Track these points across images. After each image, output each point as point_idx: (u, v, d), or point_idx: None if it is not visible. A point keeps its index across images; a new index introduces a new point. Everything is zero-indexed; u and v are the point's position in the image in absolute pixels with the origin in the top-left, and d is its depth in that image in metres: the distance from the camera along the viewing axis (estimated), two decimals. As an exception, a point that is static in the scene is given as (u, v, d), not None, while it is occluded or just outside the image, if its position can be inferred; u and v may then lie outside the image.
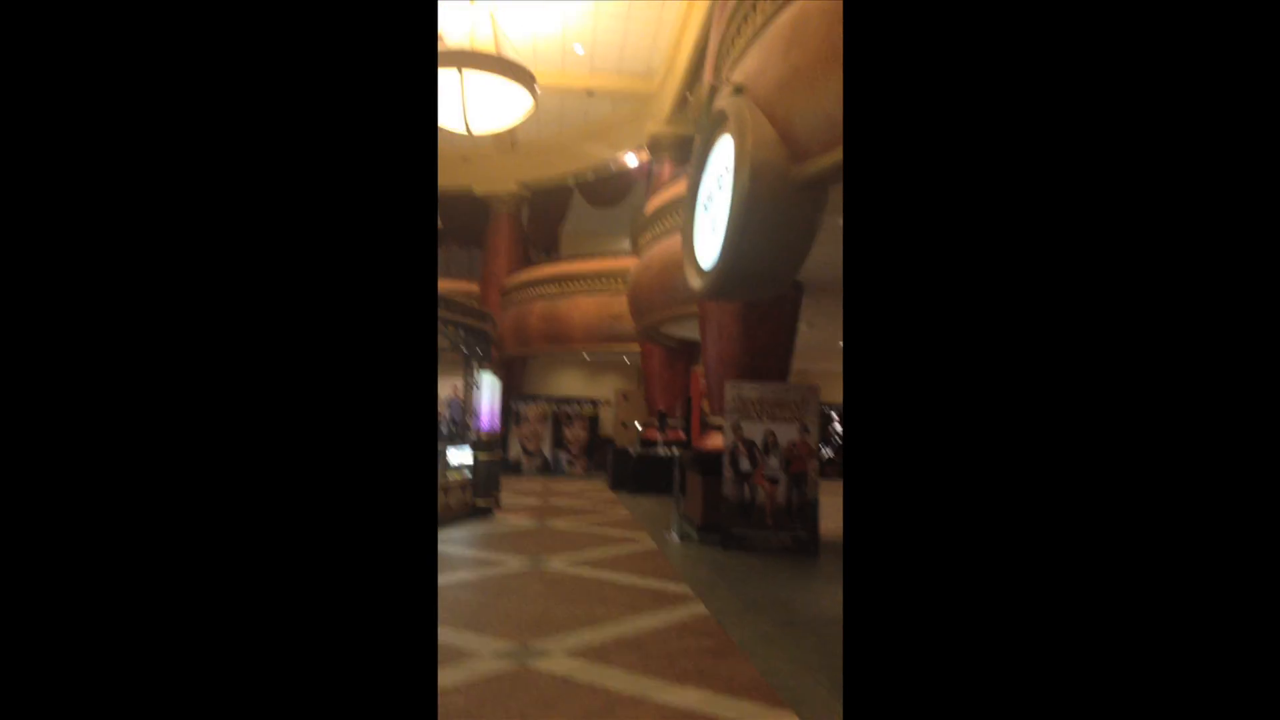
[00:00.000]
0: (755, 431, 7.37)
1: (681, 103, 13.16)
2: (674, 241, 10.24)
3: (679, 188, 10.42)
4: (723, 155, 5.37)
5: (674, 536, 7.85)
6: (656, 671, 3.63)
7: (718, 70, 6.42)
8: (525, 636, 4.14)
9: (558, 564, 6.29)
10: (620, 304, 14.18)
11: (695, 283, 6.08)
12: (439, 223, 18.24)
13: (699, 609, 4.89)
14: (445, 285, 15.50)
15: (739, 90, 4.96)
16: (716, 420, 8.17)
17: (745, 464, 7.35)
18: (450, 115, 10.89)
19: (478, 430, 9.50)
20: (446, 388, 11.30)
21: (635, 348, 14.47)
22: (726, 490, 7.34)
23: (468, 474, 9.18)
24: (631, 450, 13.28)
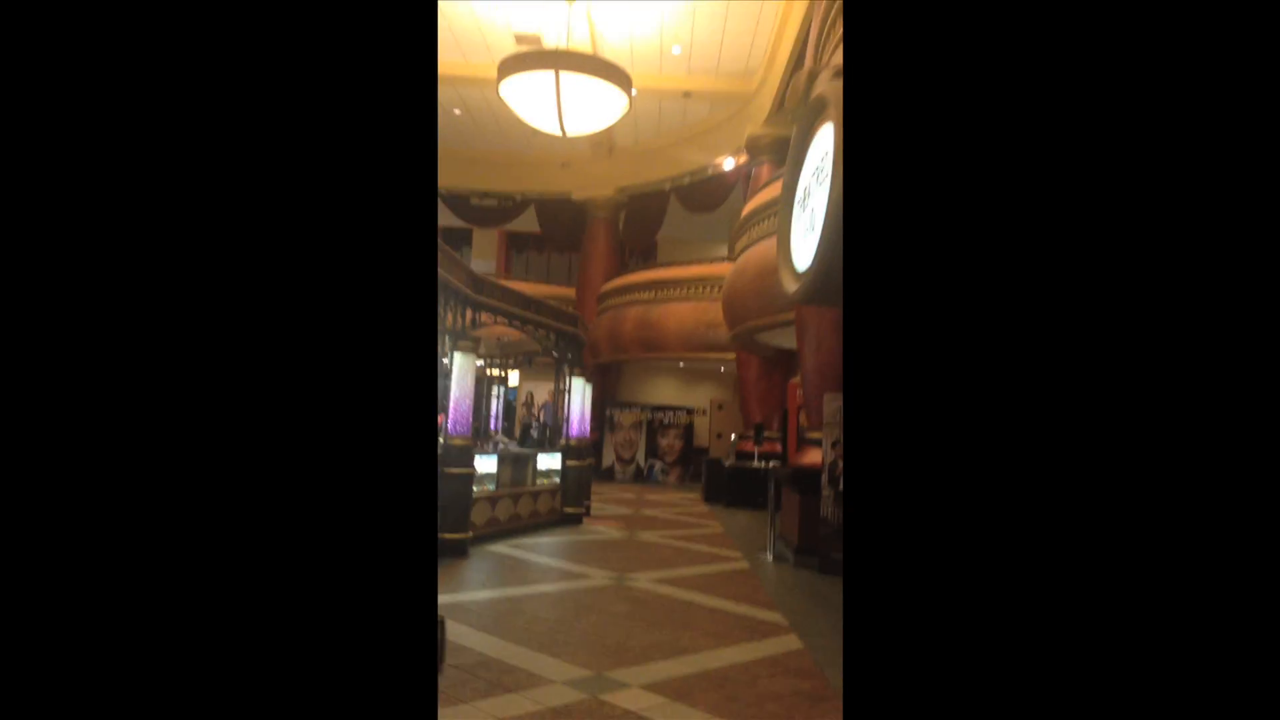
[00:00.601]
0: (857, 447, 6.85)
1: (780, 103, 12.68)
2: (770, 245, 9.79)
3: (777, 188, 9.97)
4: (822, 145, 4.95)
5: (768, 557, 7.41)
6: (742, 715, 3.26)
7: (818, 55, 5.99)
8: (602, 664, 3.85)
9: (643, 581, 5.99)
10: (716, 311, 13.80)
11: (789, 286, 5.66)
12: (539, 228, 18.46)
13: (793, 643, 4.47)
14: (543, 290, 15.56)
15: (841, 74, 4.53)
16: (814, 435, 7.67)
17: (845, 483, 6.84)
18: (546, 117, 10.84)
19: (568, 436, 9.35)
20: (542, 393, 11.24)
21: (731, 356, 14.05)
22: (825, 510, 6.84)
23: (557, 480, 9.03)
24: (725, 462, 12.86)
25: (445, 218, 18.64)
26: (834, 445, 6.88)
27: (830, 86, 4.45)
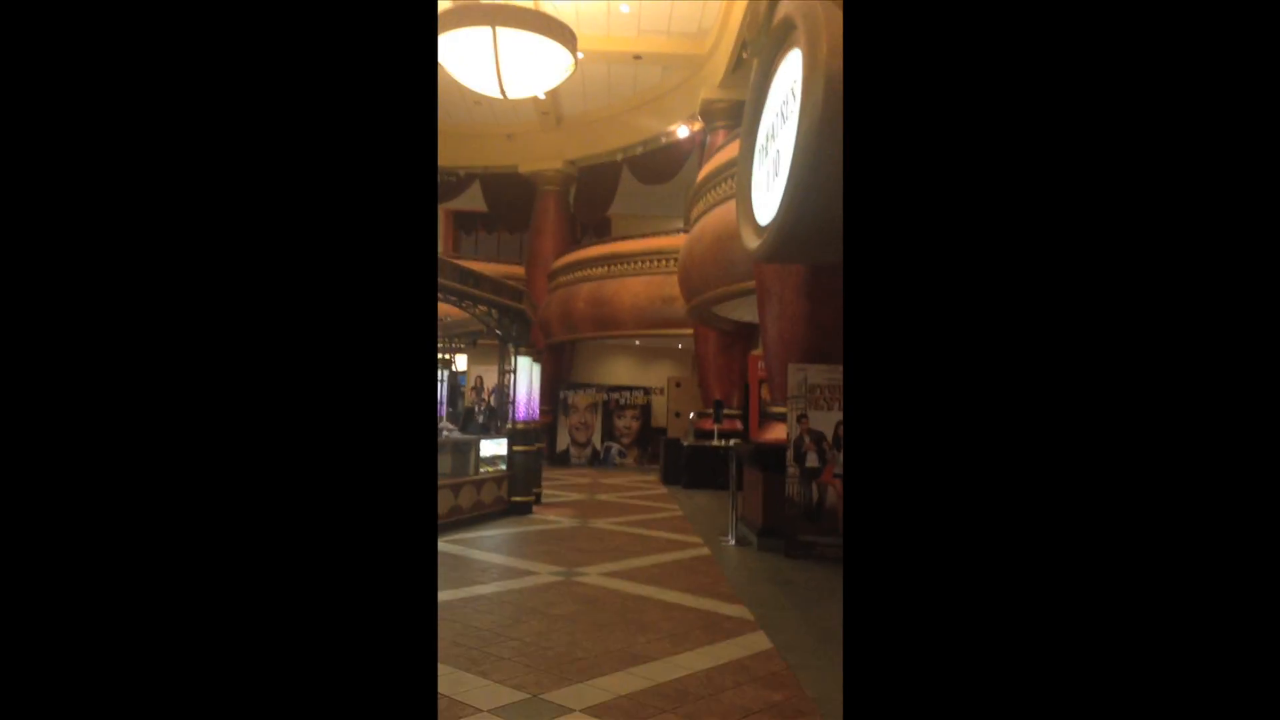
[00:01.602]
0: (824, 422, 6.34)
1: (736, 64, 12.08)
2: (728, 209, 9.22)
3: (734, 150, 9.39)
4: (788, 77, 4.36)
5: (730, 541, 6.89)
6: (705, 744, 2.70)
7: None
8: (541, 682, 3.25)
9: (594, 575, 5.41)
10: (672, 285, 13.21)
11: (751, 243, 5.10)
12: (485, 206, 17.60)
13: (761, 642, 3.93)
14: (492, 269, 14.78)
15: (808, -5, 3.95)
16: (778, 409, 7.15)
17: (812, 459, 6.34)
18: (484, 78, 10.07)
19: (514, 420, 8.69)
20: (493, 376, 10.54)
21: (688, 332, 13.49)
22: (790, 490, 6.33)
23: (504, 468, 8.38)
24: (684, 441, 12.34)
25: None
26: (799, 419, 6.37)
27: (797, 6, 3.85)
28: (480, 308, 8.05)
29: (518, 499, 8.45)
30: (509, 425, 8.70)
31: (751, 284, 8.29)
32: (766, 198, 4.91)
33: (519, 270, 16.91)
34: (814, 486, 6.33)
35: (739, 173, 5.55)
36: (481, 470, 8.01)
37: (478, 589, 4.95)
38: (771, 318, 7.23)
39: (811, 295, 6.68)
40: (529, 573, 5.47)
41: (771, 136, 4.74)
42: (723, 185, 9.62)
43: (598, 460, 16.02)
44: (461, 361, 15.62)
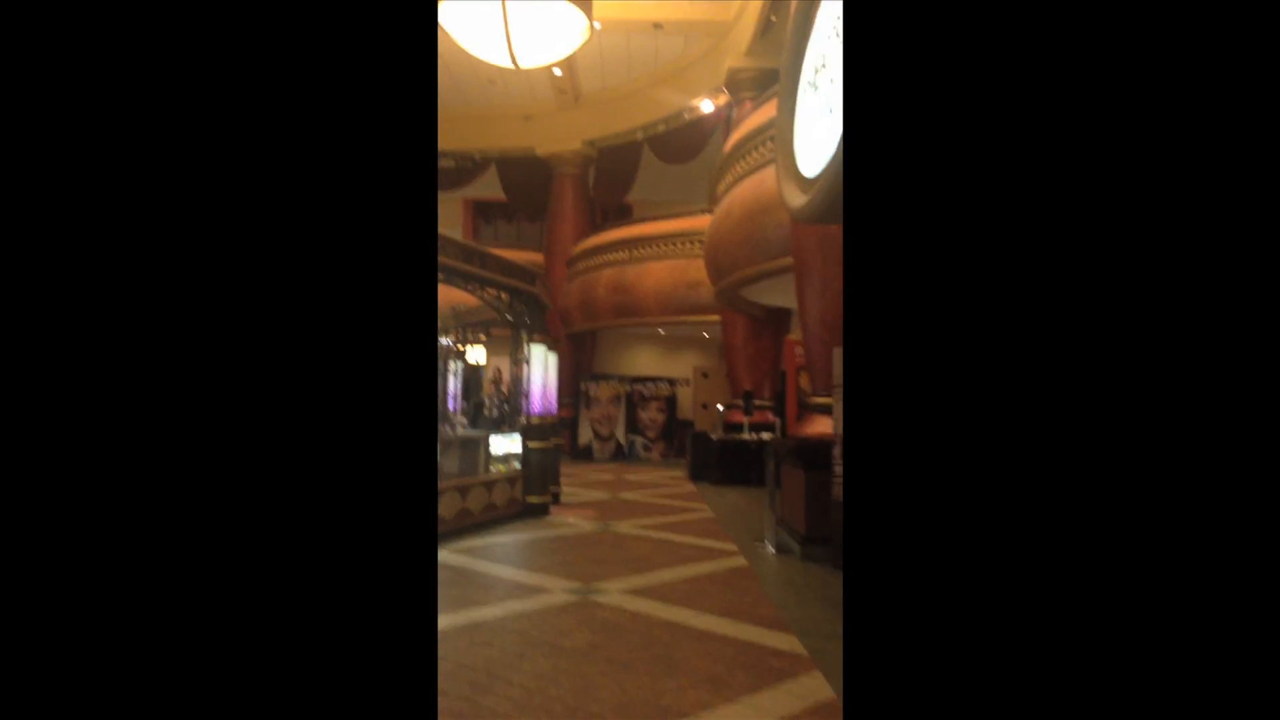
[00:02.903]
0: (877, 413, 5.54)
1: (765, 28, 11.22)
2: (760, 180, 8.41)
3: (764, 115, 8.56)
4: (843, -9, 3.57)
5: (768, 548, 6.12)
6: None
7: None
8: (541, 752, 2.53)
9: (615, 594, 4.68)
10: (697, 269, 12.43)
11: (795, 200, 4.31)
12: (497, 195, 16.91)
13: (818, 687, 3.17)
14: (509, 257, 14.08)
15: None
16: (820, 400, 6.36)
17: (864, 456, 5.55)
18: (494, 47, 9.34)
19: (528, 414, 7.98)
20: (505, 367, 9.85)
21: (715, 319, 12.70)
22: (838, 492, 5.55)
23: (518, 466, 7.68)
24: (713, 435, 11.58)
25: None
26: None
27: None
28: (489, 290, 7.33)
29: (533, 500, 7.75)
30: (523, 420, 8.00)
31: (787, 261, 7.48)
32: (813, 142, 4.12)
33: (539, 258, 16.21)
34: (866, 487, 5.54)
35: (779, 120, 4.77)
36: (493, 469, 7.31)
37: (478, 612, 4.24)
38: (812, 297, 6.43)
39: (859, 269, 5.86)
40: (540, 590, 4.76)
41: (822, 66, 3.95)
42: (754, 153, 8.80)
43: (621, 455, 15.31)
44: (480, 353, 14.98)
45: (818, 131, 4.13)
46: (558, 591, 4.72)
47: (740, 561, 5.73)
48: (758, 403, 11.36)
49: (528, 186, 16.73)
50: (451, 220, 19.35)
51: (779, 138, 4.73)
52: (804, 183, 4.25)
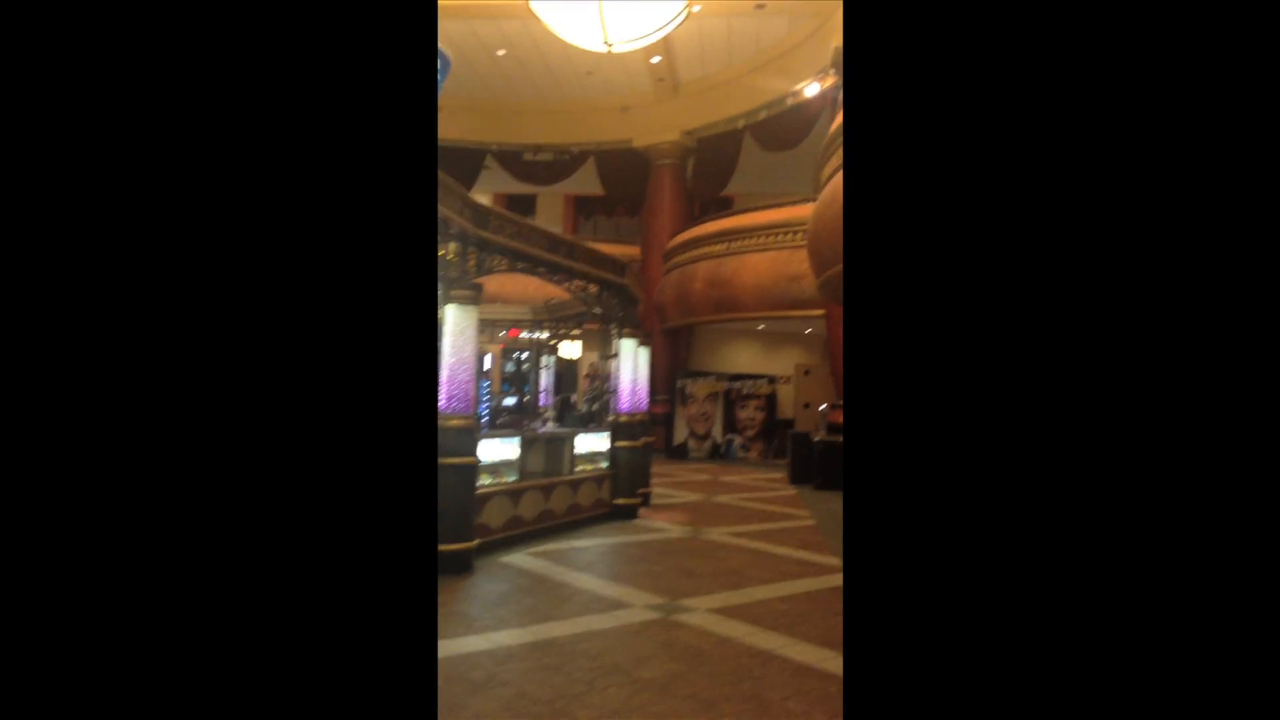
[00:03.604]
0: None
1: None
2: (870, 162, 7.71)
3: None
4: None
5: (876, 566, 5.49)
6: None
7: None
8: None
9: (701, 612, 4.22)
10: (799, 261, 11.75)
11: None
12: (601, 189, 16.70)
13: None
14: (607, 250, 13.88)
15: None
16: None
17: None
18: (587, 29, 9.03)
19: (617, 411, 7.62)
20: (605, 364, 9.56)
21: (819, 313, 11.98)
22: (960, 506, 4.88)
23: (605, 466, 7.33)
24: (814, 436, 10.90)
25: (503, 182, 17.15)
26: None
27: None
28: (576, 282, 7.01)
29: (621, 501, 7.39)
30: (611, 417, 7.64)
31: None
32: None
33: (635, 252, 15.90)
34: (992, 503, 4.85)
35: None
36: (578, 469, 6.99)
37: (550, 628, 3.88)
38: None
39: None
40: (620, 604, 4.36)
41: None
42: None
43: (718, 454, 14.80)
44: (575, 348, 14.81)
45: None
46: (639, 607, 4.31)
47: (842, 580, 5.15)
48: (864, 403, 10.60)
49: (625, 179, 16.43)
50: (552, 215, 19.33)
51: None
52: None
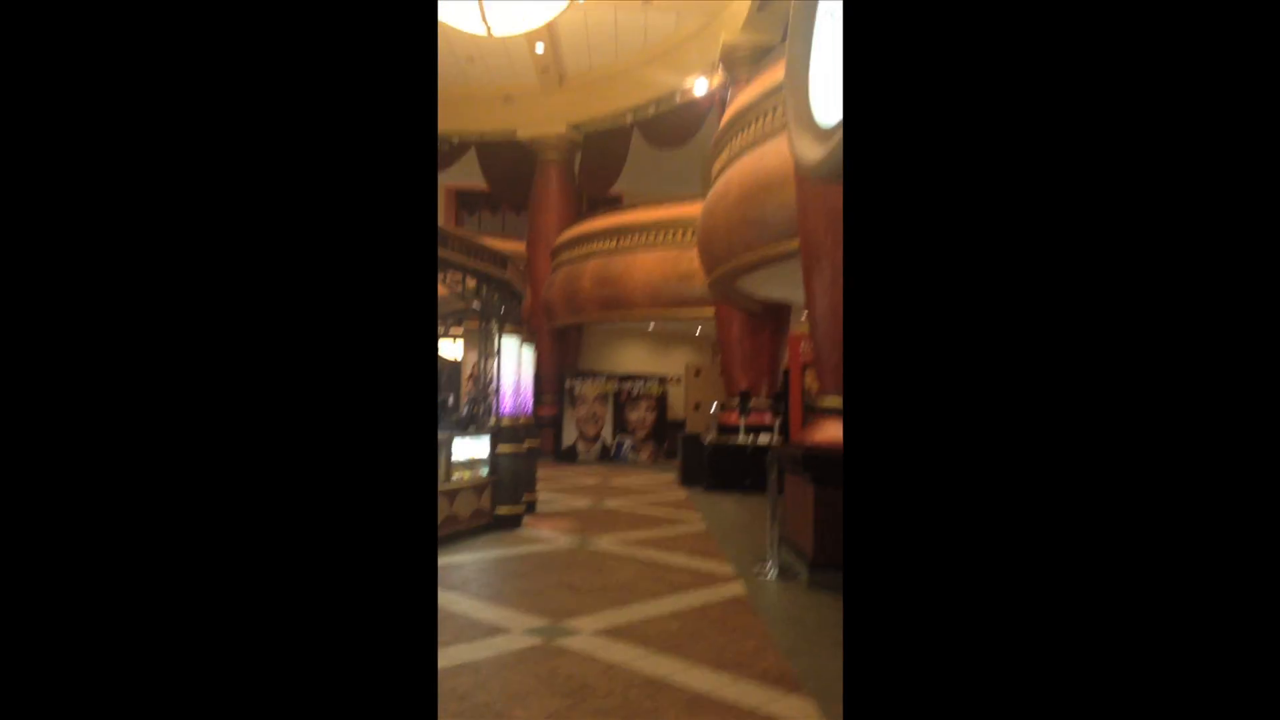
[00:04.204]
0: (899, 417, 4.72)
1: (763, 4, 10.39)
2: (762, 154, 7.57)
3: (766, 81, 7.73)
4: None
5: (771, 572, 5.29)
6: None
7: None
8: None
9: (587, 635, 3.84)
10: (689, 260, 11.60)
11: (810, 155, 3.48)
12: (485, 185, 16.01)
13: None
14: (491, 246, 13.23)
15: None
16: (829, 403, 5.53)
17: (884, 468, 4.73)
18: (466, 12, 8.47)
19: (498, 414, 7.13)
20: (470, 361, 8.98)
21: (709, 313, 11.87)
22: (855, 508, 4.73)
23: (485, 473, 6.83)
24: (705, 437, 10.75)
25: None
26: (865, 415, 4.76)
27: None
28: (450, 274, 6.47)
29: (504, 510, 6.90)
30: (493, 420, 7.14)
31: (792, 245, 6.65)
32: (835, 86, 3.29)
33: (522, 248, 15.34)
34: (886, 505, 4.72)
35: (791, 57, 3.93)
36: (456, 477, 6.45)
37: (413, 667, 3.37)
38: (823, 285, 5.59)
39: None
40: (497, 629, 3.91)
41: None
42: (755, 125, 7.95)
43: (609, 456, 14.48)
44: (456, 348, 14.10)
45: (840, 69, 3.29)
46: (518, 633, 3.87)
47: (738, 590, 4.89)
48: (754, 403, 10.53)
49: (510, 173, 15.83)
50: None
51: (790, 79, 3.90)
52: (821, 132, 3.42)
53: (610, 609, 4.35)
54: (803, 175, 5.07)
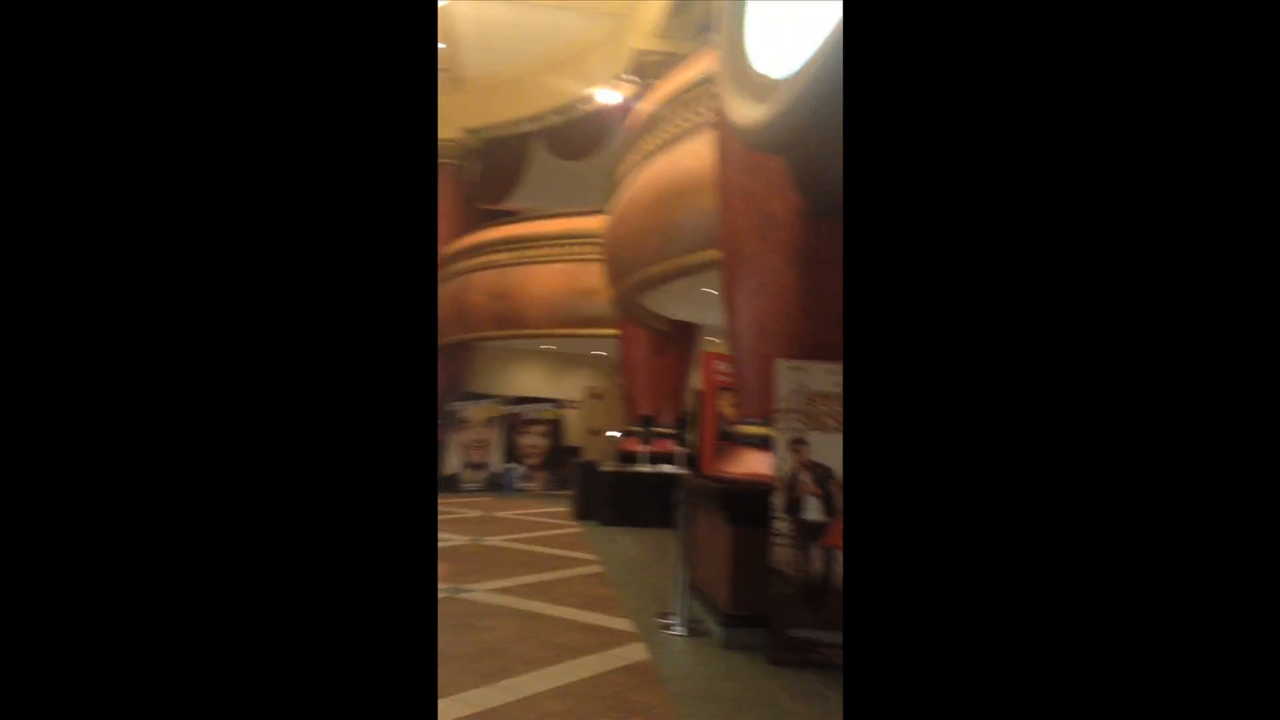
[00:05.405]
0: (832, 451, 4.07)
1: (679, 5, 9.89)
2: (677, 155, 6.92)
3: (685, 76, 7.12)
4: None
5: (677, 628, 4.49)
6: None
7: None
8: None
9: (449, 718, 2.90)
10: (591, 276, 10.86)
11: (746, 115, 2.79)
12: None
13: None
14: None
15: None
16: (750, 429, 4.84)
17: (814, 509, 4.05)
18: None
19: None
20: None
21: (612, 333, 11.12)
22: (780, 555, 4.02)
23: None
24: (603, 466, 9.93)
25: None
26: (792, 445, 4.09)
27: None
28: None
29: (364, 552, 5.83)
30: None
31: (709, 255, 5.98)
32: (779, 31, 2.61)
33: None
34: (816, 551, 4.03)
35: (725, 15, 3.24)
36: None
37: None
38: (745, 296, 4.92)
39: (812, 260, 4.39)
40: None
41: None
42: (671, 122, 7.29)
43: (496, 486, 13.42)
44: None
45: (785, 10, 2.61)
46: (351, 728, 2.89)
47: (639, 653, 4.06)
48: (659, 429, 9.81)
49: (401, 177, 14.69)
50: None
51: (726, 36, 3.21)
52: (760, 87, 2.72)
53: (481, 684, 3.42)
54: (731, 158, 4.39)
